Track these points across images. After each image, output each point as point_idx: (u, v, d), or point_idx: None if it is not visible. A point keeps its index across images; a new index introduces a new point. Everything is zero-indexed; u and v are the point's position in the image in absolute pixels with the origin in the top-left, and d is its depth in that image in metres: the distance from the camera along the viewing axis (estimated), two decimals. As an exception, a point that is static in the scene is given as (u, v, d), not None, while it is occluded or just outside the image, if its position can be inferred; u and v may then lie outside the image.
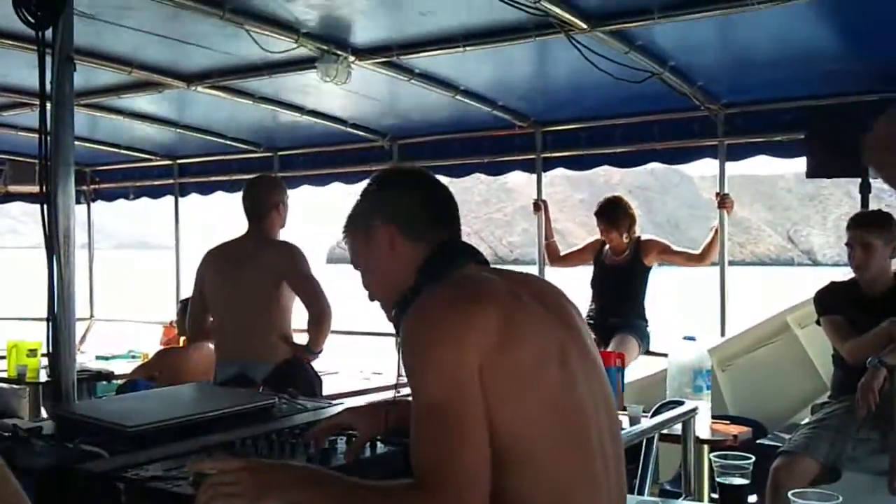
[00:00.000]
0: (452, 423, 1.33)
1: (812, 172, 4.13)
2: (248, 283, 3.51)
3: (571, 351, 1.49)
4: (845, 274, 3.57)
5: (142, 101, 5.24)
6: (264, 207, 3.65)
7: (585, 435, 1.45)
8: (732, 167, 4.89)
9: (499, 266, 1.71)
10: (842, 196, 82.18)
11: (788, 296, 4.90)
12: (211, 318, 3.70)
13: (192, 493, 1.44)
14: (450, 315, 1.42)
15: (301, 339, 3.64)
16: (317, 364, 3.75)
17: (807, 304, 4.14)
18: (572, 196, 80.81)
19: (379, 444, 1.81)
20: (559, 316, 1.54)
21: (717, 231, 4.80)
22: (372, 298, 1.70)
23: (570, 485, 1.42)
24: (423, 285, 1.55)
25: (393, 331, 1.60)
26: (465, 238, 1.71)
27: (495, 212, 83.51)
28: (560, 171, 5.60)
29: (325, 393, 3.74)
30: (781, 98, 4.57)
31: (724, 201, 4.80)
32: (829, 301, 3.44)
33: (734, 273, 4.97)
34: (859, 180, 4.11)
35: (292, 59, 4.22)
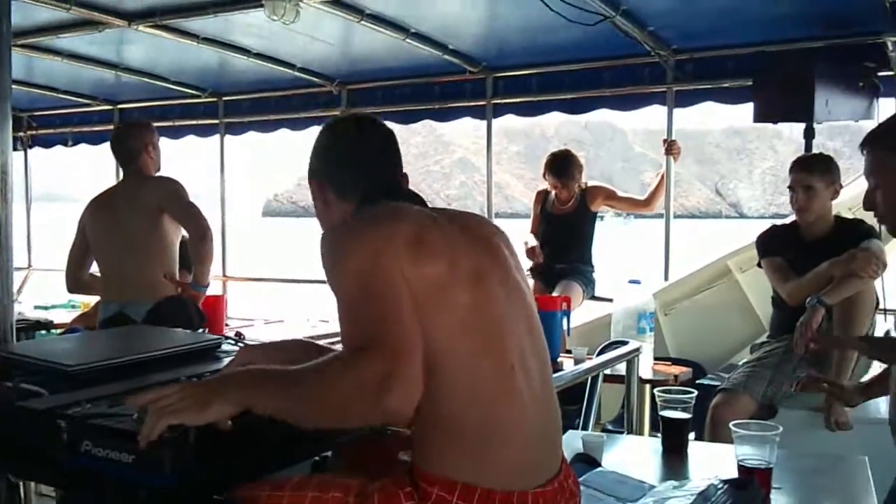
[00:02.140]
0: (380, 301, 1.36)
1: (759, 117, 4.18)
2: (126, 222, 3.53)
3: (490, 273, 1.52)
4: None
5: (81, 42, 5.06)
6: (133, 151, 3.66)
7: (505, 352, 1.47)
8: (662, 121, 4.93)
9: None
10: (766, 150, 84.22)
11: (718, 248, 5.00)
12: (97, 267, 3.71)
13: (136, 430, 1.42)
14: (367, 225, 1.50)
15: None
16: (264, 312, 3.73)
17: (747, 248, 4.23)
18: (508, 148, 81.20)
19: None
20: (481, 242, 1.58)
21: (662, 177, 4.85)
22: None
23: (489, 397, 1.44)
24: None
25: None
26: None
27: (433, 164, 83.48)
28: (495, 123, 5.60)
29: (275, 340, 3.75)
30: (730, 44, 4.61)
31: (671, 147, 4.85)
32: (770, 243, 3.50)
33: (638, 226, 5.06)
34: (802, 126, 4.16)
35: (238, -3, 4.13)
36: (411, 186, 1.80)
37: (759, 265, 3.55)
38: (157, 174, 3.72)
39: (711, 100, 4.86)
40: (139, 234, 3.52)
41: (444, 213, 1.61)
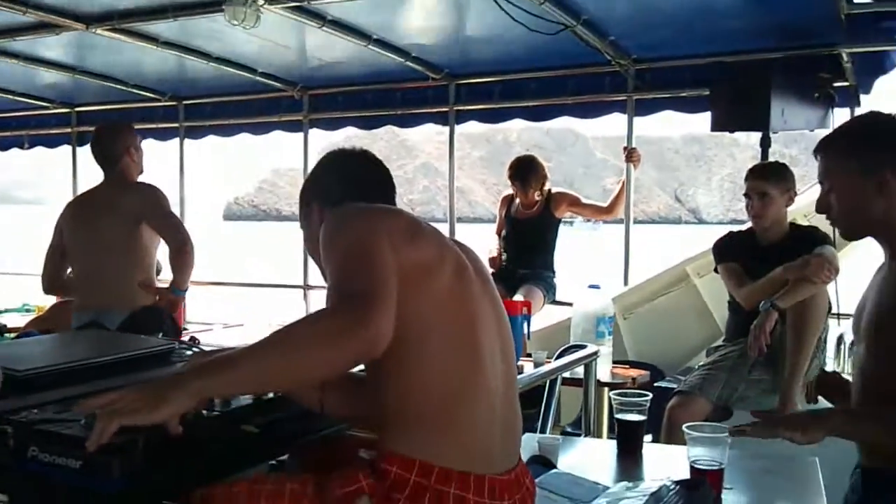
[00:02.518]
0: (366, 260, 1.41)
1: (716, 126, 4.25)
2: (105, 229, 3.46)
3: (470, 274, 1.59)
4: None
5: (38, 45, 4.98)
6: (114, 153, 3.57)
7: (477, 345, 1.53)
8: (623, 128, 5.00)
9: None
10: (725, 157, 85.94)
11: (678, 253, 5.07)
12: (70, 270, 3.64)
13: (84, 436, 1.40)
14: (364, 213, 1.58)
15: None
16: (223, 316, 3.67)
17: (705, 254, 4.29)
18: (471, 154, 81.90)
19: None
20: (463, 249, 1.67)
21: (623, 184, 4.91)
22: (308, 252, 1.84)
23: (457, 381, 1.49)
24: None
25: (297, 282, 1.68)
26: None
27: (396, 169, 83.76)
28: (458, 129, 5.64)
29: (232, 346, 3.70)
30: (688, 55, 4.67)
31: (631, 155, 4.90)
32: (726, 249, 3.56)
33: (608, 232, 5.10)
34: (759, 134, 4.23)
35: (198, 1, 4.09)
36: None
37: (715, 270, 3.60)
38: (139, 180, 3.64)
39: (670, 109, 4.94)
40: (117, 242, 3.44)
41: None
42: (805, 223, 3.74)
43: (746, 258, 3.45)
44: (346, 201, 1.68)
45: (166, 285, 3.52)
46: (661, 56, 4.80)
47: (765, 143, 4.27)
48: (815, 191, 3.96)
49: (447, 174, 5.83)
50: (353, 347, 1.31)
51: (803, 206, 4.02)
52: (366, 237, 1.46)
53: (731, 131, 4.50)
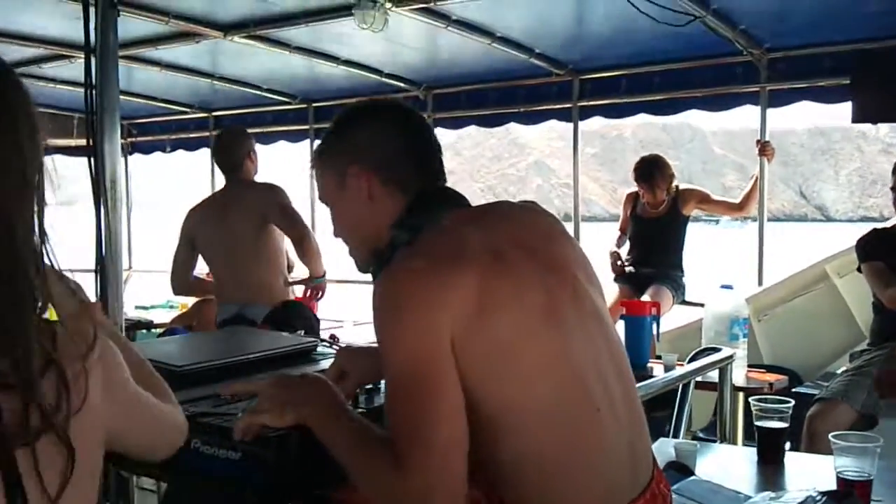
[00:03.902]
0: (423, 398, 1.28)
1: (858, 117, 4.07)
2: (235, 225, 3.66)
3: (562, 301, 1.39)
4: (859, 230, 3.53)
5: (178, 52, 5.25)
6: (236, 158, 3.80)
7: (588, 395, 1.37)
8: (743, 122, 4.84)
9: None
10: (852, 151, 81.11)
11: (807, 252, 4.86)
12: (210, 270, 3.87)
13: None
14: (421, 282, 1.32)
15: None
16: (352, 313, 3.81)
17: (846, 253, 4.10)
18: (584, 150, 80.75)
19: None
20: (547, 260, 1.43)
21: (756, 179, 4.75)
22: (338, 236, 1.64)
23: (572, 441, 1.35)
24: (398, 241, 1.48)
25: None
26: (479, 195, 1.61)
27: (508, 167, 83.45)
28: (569, 126, 5.58)
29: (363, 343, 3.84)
30: (825, 42, 4.48)
31: (764, 148, 4.75)
32: (871, 247, 3.39)
33: (753, 230, 4.93)
34: (889, 127, 4.02)
35: (328, 7, 4.22)
36: (489, 189, 1.67)
37: (858, 269, 3.44)
38: (261, 180, 3.87)
39: (806, 99, 4.74)
40: (248, 236, 3.66)
41: (506, 233, 1.44)
42: (957, 220, 3.52)
43: (893, 257, 3.27)
44: (408, 171, 1.50)
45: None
46: (795, 44, 4.60)
47: (912, 136, 4.04)
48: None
49: (560, 172, 5.85)
50: None
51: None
52: (425, 351, 1.28)
53: (875, 122, 4.29)
